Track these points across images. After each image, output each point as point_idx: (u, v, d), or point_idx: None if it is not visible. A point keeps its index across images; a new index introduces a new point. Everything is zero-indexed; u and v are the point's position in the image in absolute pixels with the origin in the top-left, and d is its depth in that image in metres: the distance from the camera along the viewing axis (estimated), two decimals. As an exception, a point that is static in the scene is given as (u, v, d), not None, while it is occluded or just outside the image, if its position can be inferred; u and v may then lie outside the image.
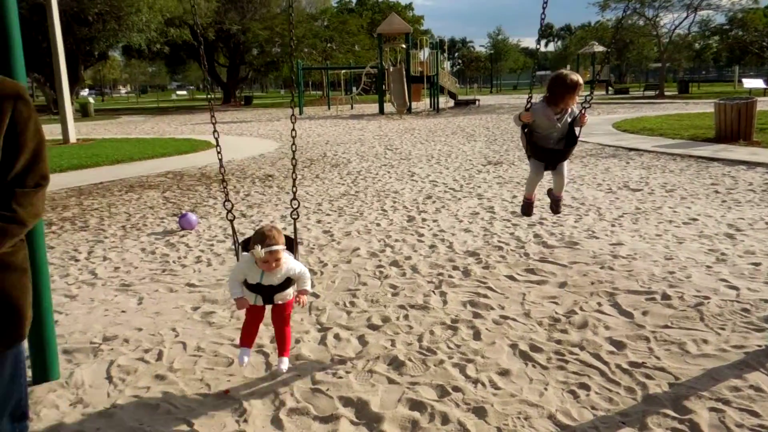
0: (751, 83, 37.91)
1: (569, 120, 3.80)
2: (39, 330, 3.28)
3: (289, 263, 3.06)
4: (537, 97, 3.93)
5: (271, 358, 3.59)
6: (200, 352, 3.70)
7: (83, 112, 35.98)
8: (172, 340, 3.89)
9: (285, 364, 3.18)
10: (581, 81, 3.72)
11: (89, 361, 3.62)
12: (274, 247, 2.92)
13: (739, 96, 17.83)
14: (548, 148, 3.91)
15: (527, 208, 4.46)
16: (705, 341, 3.62)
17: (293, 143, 3.58)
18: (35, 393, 3.21)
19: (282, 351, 3.20)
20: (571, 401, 3.02)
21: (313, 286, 3.63)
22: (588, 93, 3.99)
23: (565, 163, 4.05)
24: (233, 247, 3.49)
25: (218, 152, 3.54)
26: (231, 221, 3.38)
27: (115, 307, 4.53)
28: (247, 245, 3.19)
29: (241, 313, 3.29)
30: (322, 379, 3.32)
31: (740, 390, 3.05)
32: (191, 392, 3.21)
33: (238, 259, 3.24)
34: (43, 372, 3.34)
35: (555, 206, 4.40)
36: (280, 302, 3.15)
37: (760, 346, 3.52)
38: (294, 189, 3.40)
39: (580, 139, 4.09)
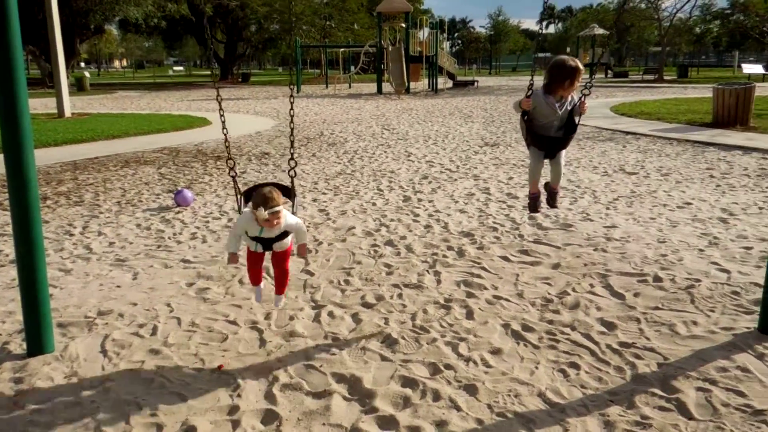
0: (751, 68, 37.80)
1: (569, 108, 3.68)
2: (34, 303, 3.30)
3: (287, 219, 3.26)
4: (538, 83, 3.85)
5: (265, 334, 3.62)
6: (195, 328, 3.73)
7: (79, 87, 35.66)
8: (167, 316, 3.91)
9: (281, 301, 3.67)
10: (581, 66, 3.60)
11: (84, 334, 3.65)
12: (276, 209, 3.13)
13: (737, 81, 17.81)
14: (548, 136, 3.74)
15: (534, 204, 4.10)
16: (695, 323, 3.67)
17: (291, 97, 3.67)
18: (30, 365, 3.24)
19: (279, 290, 3.61)
20: (561, 380, 3.06)
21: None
22: (588, 79, 3.89)
23: (563, 153, 3.89)
24: (236, 203, 3.78)
25: (221, 115, 3.67)
26: (233, 177, 3.48)
27: (110, 282, 4.54)
28: (249, 196, 3.39)
29: (236, 289, 3.53)
30: (316, 355, 3.35)
31: (727, 371, 3.09)
32: (185, 367, 3.24)
33: (240, 212, 3.40)
34: (38, 345, 3.36)
35: (552, 199, 4.13)
36: (278, 250, 3.40)
37: (748, 328, 3.57)
38: (291, 149, 3.57)
39: (582, 123, 4.06)
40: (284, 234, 3.31)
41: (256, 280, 3.59)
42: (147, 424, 2.71)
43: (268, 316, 3.88)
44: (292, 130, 3.66)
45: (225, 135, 3.59)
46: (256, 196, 3.16)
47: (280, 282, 3.58)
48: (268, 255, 3.45)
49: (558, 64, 3.61)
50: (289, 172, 3.47)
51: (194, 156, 10.82)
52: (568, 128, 3.74)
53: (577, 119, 3.71)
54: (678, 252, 5.01)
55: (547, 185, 4.07)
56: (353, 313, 3.92)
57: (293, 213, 3.43)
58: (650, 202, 6.77)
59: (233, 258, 3.36)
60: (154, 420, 2.74)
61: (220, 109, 3.60)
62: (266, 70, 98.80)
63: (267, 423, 2.74)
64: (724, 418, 2.70)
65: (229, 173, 3.50)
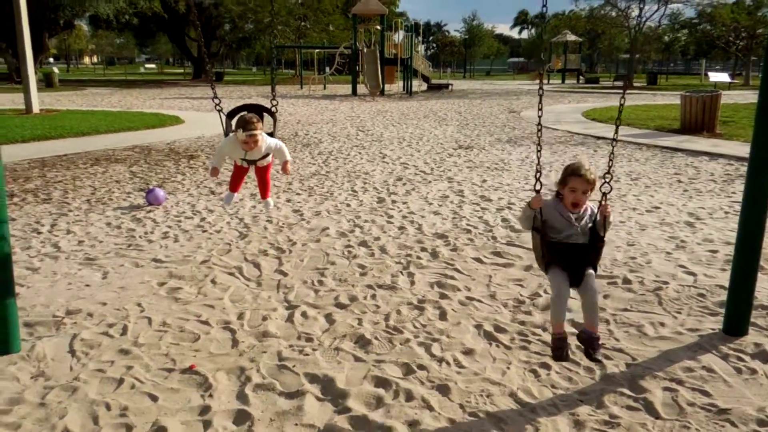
0: (717, 77, 38.66)
1: (590, 223, 2.94)
2: (0, 301, 3.22)
3: (267, 141, 3.84)
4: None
5: (237, 334, 3.60)
6: (166, 328, 3.68)
7: (47, 82, 34.90)
8: (137, 315, 3.86)
9: (270, 204, 4.63)
10: (596, 178, 2.94)
11: (52, 334, 3.58)
12: (253, 131, 3.70)
13: (704, 89, 18.22)
14: (569, 244, 2.92)
15: (560, 349, 2.88)
16: (662, 324, 3.75)
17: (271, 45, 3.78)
18: (-5, 365, 3.17)
19: (264, 194, 4.45)
20: (532, 380, 3.10)
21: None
22: (613, 139, 3.13)
23: (594, 276, 2.96)
24: (223, 127, 4.05)
25: (214, 95, 4.07)
26: (219, 111, 3.92)
27: (79, 281, 4.46)
28: (232, 116, 3.96)
29: (208, 289, 3.65)
30: (289, 355, 3.34)
31: (693, 371, 3.17)
32: (156, 367, 3.20)
33: (225, 135, 3.98)
34: (4, 344, 3.28)
35: (591, 348, 2.91)
36: (260, 165, 4.16)
37: (713, 329, 3.66)
38: (272, 85, 4.44)
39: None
40: (267, 155, 4.01)
41: (234, 187, 4.44)
42: (116, 425, 2.67)
43: (240, 316, 3.85)
44: (272, 68, 4.85)
45: (210, 78, 4.44)
46: (238, 120, 3.75)
47: (264, 188, 4.43)
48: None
49: (569, 166, 2.98)
50: (271, 101, 4.09)
51: (166, 155, 10.68)
52: (593, 238, 2.94)
53: (602, 231, 2.94)
54: (646, 255, 5.11)
55: (582, 335, 2.97)
56: (327, 314, 3.92)
57: (273, 135, 4.06)
58: (620, 206, 6.89)
59: (214, 171, 4.04)
60: (124, 420, 2.70)
61: (214, 96, 3.99)
62: (240, 70, 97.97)
63: (239, 423, 2.72)
64: (689, 417, 2.76)
65: (215, 108, 3.92)
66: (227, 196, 4.56)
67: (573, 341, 3.16)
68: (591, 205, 2.99)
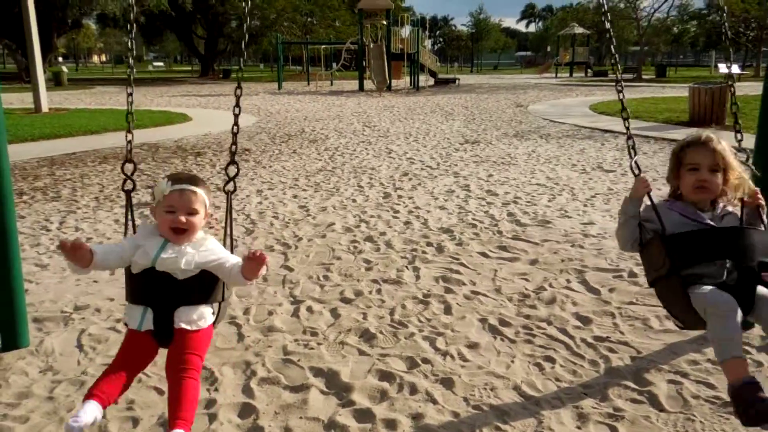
0: (727, 68, 38.45)
1: (735, 218, 2.13)
2: (8, 297, 3.27)
3: (210, 241, 2.28)
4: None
5: (243, 329, 3.62)
6: (172, 323, 3.71)
7: (56, 81, 35.13)
8: (145, 311, 3.89)
9: None
10: (723, 144, 2.11)
11: (60, 329, 3.62)
12: (189, 187, 2.17)
13: (714, 81, 18.10)
14: (712, 228, 2.05)
15: (751, 401, 1.77)
16: (668, 317, 3.73)
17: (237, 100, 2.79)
18: (4, 360, 3.21)
19: (174, 418, 1.96)
20: (537, 373, 3.11)
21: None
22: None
23: None
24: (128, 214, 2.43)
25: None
26: (127, 192, 2.44)
27: (87, 277, 4.50)
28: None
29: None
30: (294, 350, 3.36)
31: (698, 363, 3.16)
32: (162, 361, 3.22)
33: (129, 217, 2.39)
34: (13, 339, 3.32)
35: None
36: (184, 327, 2.13)
37: (719, 322, 3.64)
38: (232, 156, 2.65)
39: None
40: (201, 283, 2.16)
41: (103, 388, 2.01)
42: (123, 418, 2.70)
43: (246, 311, 3.87)
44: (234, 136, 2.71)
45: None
46: (166, 177, 2.25)
47: (176, 404, 2.00)
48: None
49: (684, 140, 2.20)
50: (224, 187, 2.49)
51: (173, 152, 10.73)
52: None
53: (762, 225, 2.11)
54: (653, 248, 5.09)
55: None
56: (332, 308, 3.93)
57: (229, 246, 2.43)
58: (627, 200, 6.86)
59: (75, 247, 2.10)
60: (131, 414, 2.73)
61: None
62: (247, 67, 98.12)
63: (244, 416, 2.74)
64: (694, 410, 2.76)
65: (122, 187, 2.45)
66: (78, 414, 1.88)
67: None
68: (731, 197, 2.14)
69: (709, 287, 1.91)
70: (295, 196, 7.20)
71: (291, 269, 4.67)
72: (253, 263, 2.09)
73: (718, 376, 3.03)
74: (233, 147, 2.63)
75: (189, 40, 54.73)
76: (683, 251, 1.92)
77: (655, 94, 24.77)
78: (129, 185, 2.44)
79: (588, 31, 50.42)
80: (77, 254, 2.10)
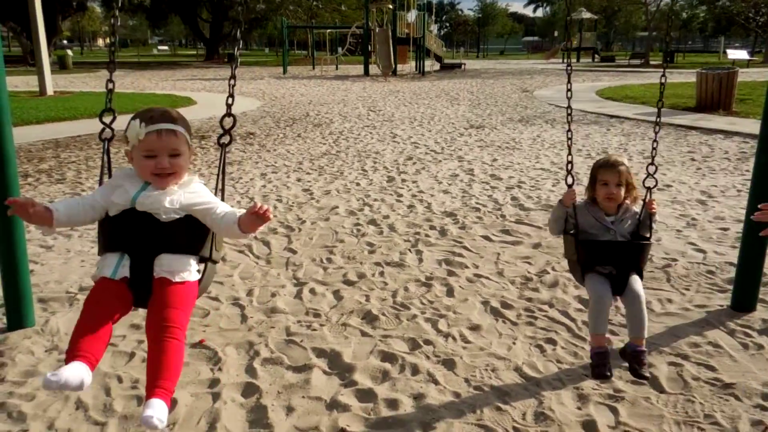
0: (735, 54, 38.04)
1: (631, 222, 2.69)
2: (15, 278, 3.30)
3: (196, 183, 2.11)
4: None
5: (246, 310, 3.64)
6: (176, 304, 3.73)
7: (61, 65, 35.10)
8: (149, 292, 3.91)
9: (157, 410, 1.68)
10: (626, 163, 2.74)
11: (65, 309, 3.65)
12: (167, 126, 1.93)
13: (722, 66, 17.93)
14: (608, 242, 2.62)
15: (601, 365, 2.50)
16: (670, 300, 3.74)
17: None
18: (10, 339, 3.24)
19: (152, 387, 1.74)
20: (538, 355, 3.12)
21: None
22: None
23: (640, 283, 2.60)
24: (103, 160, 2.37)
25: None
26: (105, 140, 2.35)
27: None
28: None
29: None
30: (297, 331, 3.38)
31: (699, 346, 3.17)
32: (167, 341, 3.25)
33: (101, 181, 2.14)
34: (18, 319, 3.36)
35: (637, 364, 2.48)
36: (165, 276, 1.90)
37: (721, 306, 3.65)
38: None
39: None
40: (184, 227, 1.94)
41: (84, 347, 1.78)
42: (127, 397, 2.74)
43: (250, 293, 3.90)
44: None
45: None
46: (138, 113, 2.06)
47: (156, 368, 1.78)
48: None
49: (597, 162, 2.75)
50: (219, 139, 2.47)
51: (178, 135, 10.72)
52: (636, 238, 2.68)
53: (647, 232, 2.69)
54: (656, 233, 5.08)
55: (626, 350, 2.57)
56: (335, 290, 3.95)
57: (221, 196, 2.28)
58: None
59: (43, 214, 1.87)
60: (135, 392, 2.76)
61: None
62: (252, 51, 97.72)
63: (247, 396, 2.77)
64: (694, 392, 2.77)
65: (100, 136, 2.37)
66: (59, 373, 1.66)
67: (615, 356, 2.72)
68: (631, 204, 2.73)
69: (596, 276, 2.60)
70: (299, 180, 7.20)
71: (294, 251, 4.69)
72: (255, 217, 1.91)
73: (718, 358, 3.05)
74: (229, 99, 2.48)
75: (194, 24, 54.53)
76: (587, 251, 2.62)
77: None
78: (108, 134, 2.28)
79: (596, 17, 49.98)
80: (29, 213, 1.83)
